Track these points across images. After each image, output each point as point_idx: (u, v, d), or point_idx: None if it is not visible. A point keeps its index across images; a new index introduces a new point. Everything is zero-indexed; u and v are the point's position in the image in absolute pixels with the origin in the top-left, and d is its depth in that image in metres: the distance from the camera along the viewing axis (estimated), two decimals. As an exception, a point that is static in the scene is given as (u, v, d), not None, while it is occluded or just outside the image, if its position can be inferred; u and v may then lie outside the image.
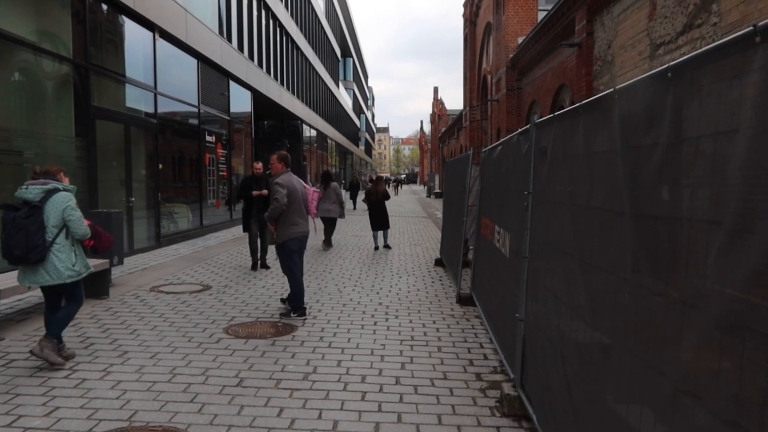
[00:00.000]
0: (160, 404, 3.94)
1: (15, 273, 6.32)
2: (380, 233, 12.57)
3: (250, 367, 4.74)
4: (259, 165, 9.57)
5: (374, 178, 14.62)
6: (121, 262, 8.12)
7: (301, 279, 6.52)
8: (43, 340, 4.60)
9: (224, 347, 5.26)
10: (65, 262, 4.59)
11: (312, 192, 6.80)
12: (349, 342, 5.49)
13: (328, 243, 12.74)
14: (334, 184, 12.87)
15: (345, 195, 18.83)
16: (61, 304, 4.83)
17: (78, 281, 4.76)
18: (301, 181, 6.73)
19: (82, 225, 4.68)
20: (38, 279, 4.57)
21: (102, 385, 4.27)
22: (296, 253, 6.48)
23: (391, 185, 48.17)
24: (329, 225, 12.81)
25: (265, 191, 8.80)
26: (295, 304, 6.43)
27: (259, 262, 9.50)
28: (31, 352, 4.62)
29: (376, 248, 12.40)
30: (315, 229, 7.03)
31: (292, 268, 6.44)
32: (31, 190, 4.55)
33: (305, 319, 6.34)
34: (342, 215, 12.85)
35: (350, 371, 4.67)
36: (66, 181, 4.85)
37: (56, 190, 4.61)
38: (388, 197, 12.92)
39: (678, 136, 1.95)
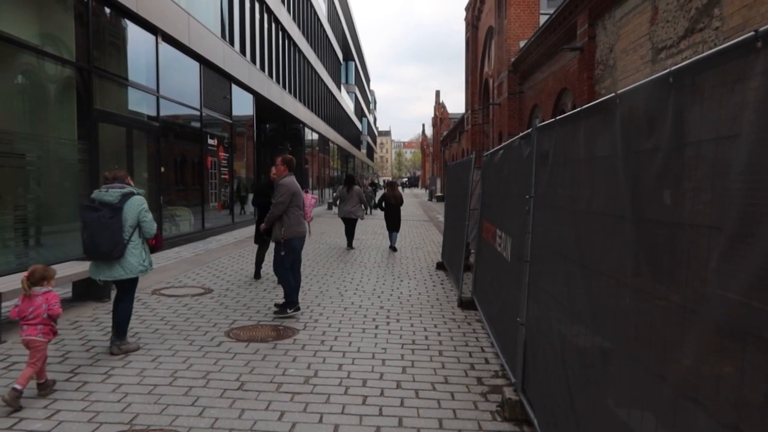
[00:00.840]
0: (161, 407, 3.94)
1: (16, 275, 6.34)
2: (393, 235, 13.28)
3: (251, 370, 4.73)
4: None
5: (388, 182, 15.40)
6: (122, 265, 8.12)
7: (290, 279, 6.67)
8: (116, 343, 5.14)
9: (225, 350, 5.26)
10: (138, 258, 5.11)
11: (309, 198, 6.98)
12: (350, 346, 5.48)
13: (349, 245, 13.24)
14: (357, 187, 13.38)
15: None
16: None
17: (136, 279, 5.24)
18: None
19: (153, 225, 5.23)
20: (113, 273, 5.06)
21: (103, 388, 4.27)
22: (298, 252, 6.80)
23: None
24: (350, 226, 13.29)
25: None
26: (291, 299, 6.58)
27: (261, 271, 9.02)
28: (111, 353, 5.09)
29: (391, 247, 13.17)
30: (309, 232, 7.27)
31: (290, 266, 6.69)
32: (112, 194, 5.02)
33: (301, 312, 6.54)
34: (362, 217, 13.44)
35: (351, 375, 4.67)
36: (132, 184, 5.30)
37: (131, 194, 5.11)
38: (402, 202, 13.70)
39: (679, 140, 1.96)
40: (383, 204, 13.60)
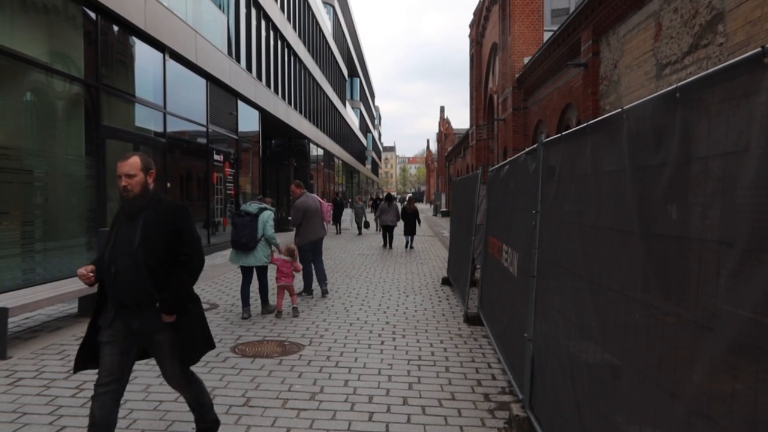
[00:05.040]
0: (167, 424, 3.92)
1: (22, 291, 6.36)
2: (408, 237, 17.33)
3: (257, 386, 4.72)
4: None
5: (408, 197, 19.98)
6: (128, 281, 8.13)
7: (311, 271, 8.97)
8: (264, 308, 7.59)
9: (231, 366, 5.24)
10: (264, 252, 7.39)
11: (326, 206, 9.23)
12: (356, 361, 5.46)
13: (390, 246, 17.39)
14: (395, 203, 18.23)
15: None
16: (251, 280, 7.50)
17: (267, 266, 7.56)
18: (317, 198, 9.13)
19: (274, 233, 7.49)
20: (247, 261, 7.31)
21: (109, 404, 4.25)
22: (309, 253, 8.84)
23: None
24: (389, 231, 17.49)
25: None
26: (305, 284, 8.92)
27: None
28: (261, 313, 7.49)
29: (406, 246, 17.14)
30: (326, 231, 9.23)
31: (304, 265, 8.71)
32: (253, 207, 7.45)
33: (311, 296, 8.79)
34: (395, 224, 17.65)
35: (357, 391, 4.64)
36: (269, 204, 7.80)
37: (265, 209, 7.49)
38: (417, 213, 17.69)
39: (687, 155, 1.96)
40: (402, 215, 17.63)
